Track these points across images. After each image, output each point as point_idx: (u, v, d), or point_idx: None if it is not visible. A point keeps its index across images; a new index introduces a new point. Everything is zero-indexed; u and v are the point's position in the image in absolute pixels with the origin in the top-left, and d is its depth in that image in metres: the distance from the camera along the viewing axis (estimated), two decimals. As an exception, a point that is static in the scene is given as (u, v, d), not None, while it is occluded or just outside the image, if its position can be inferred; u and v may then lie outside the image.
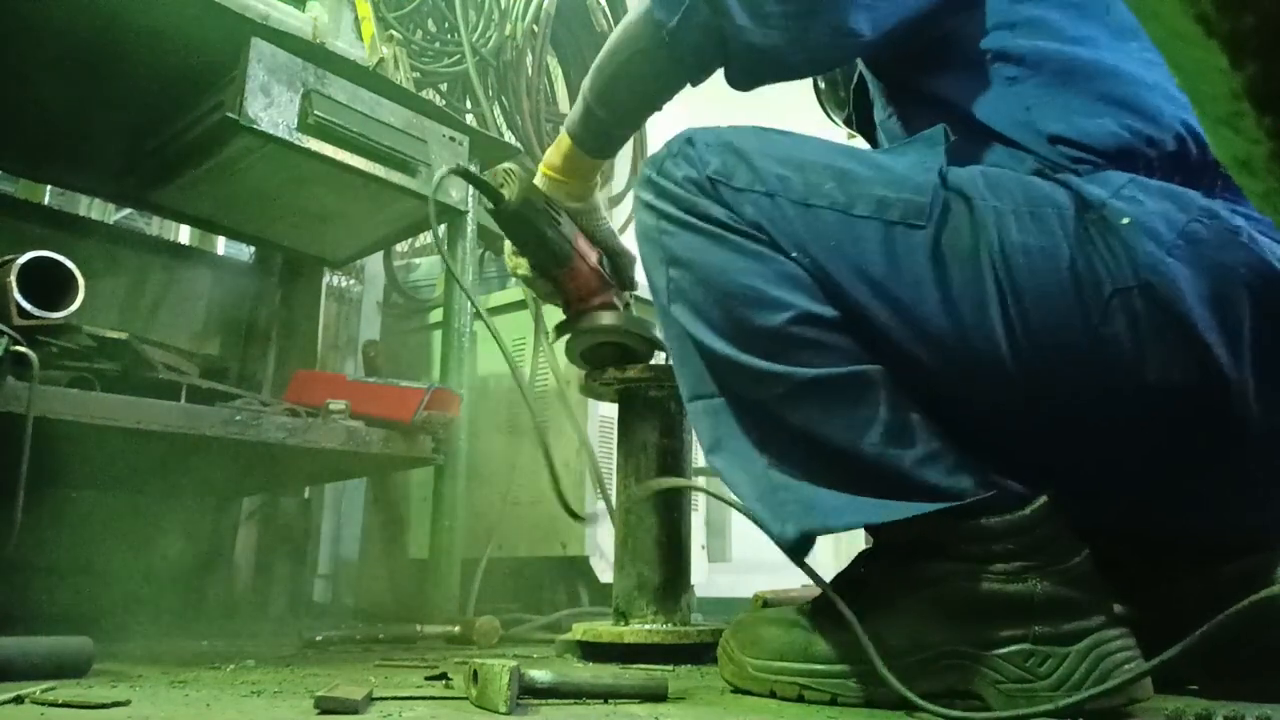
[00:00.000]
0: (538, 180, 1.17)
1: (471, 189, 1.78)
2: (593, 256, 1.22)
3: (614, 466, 1.35)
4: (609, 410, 1.90)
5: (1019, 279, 0.77)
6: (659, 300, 0.92)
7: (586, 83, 1.04)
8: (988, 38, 0.91)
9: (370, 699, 0.76)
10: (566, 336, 1.28)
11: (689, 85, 0.99)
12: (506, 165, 1.15)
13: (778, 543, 0.83)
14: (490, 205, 1.15)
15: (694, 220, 0.88)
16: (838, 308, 0.82)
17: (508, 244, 1.22)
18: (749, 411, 0.85)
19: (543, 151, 2.35)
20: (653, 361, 1.30)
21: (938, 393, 0.82)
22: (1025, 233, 0.78)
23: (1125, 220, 0.76)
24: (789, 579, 1.91)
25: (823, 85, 1.37)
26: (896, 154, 0.88)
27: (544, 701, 0.78)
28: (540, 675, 0.77)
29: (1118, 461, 0.83)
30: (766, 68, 0.93)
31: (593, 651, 1.23)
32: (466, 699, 0.77)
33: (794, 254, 0.83)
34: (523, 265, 1.22)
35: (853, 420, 0.79)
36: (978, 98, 0.90)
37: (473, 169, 1.13)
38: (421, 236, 2.64)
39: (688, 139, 0.91)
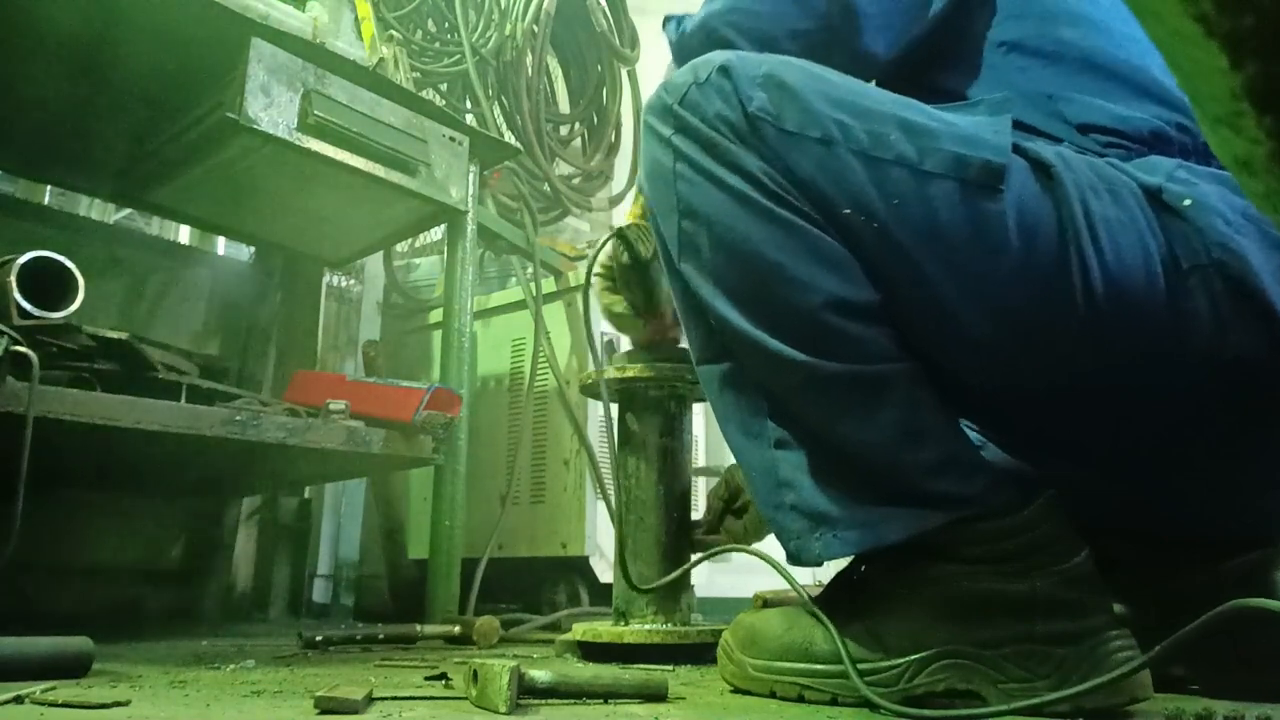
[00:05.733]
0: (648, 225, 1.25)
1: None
2: None
3: (614, 466, 1.35)
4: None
5: (1104, 251, 0.74)
6: (665, 247, 0.86)
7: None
8: (1000, 30, 0.91)
9: (370, 699, 0.76)
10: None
11: None
12: (639, 222, 1.24)
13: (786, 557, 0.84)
14: (629, 260, 1.24)
15: (721, 171, 0.79)
16: (880, 285, 0.77)
17: (600, 282, 1.30)
18: (759, 387, 0.82)
19: (543, 151, 2.36)
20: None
21: (979, 372, 0.80)
22: (1106, 206, 0.75)
23: (1187, 202, 0.74)
24: (789, 579, 1.90)
25: None
26: (961, 112, 0.82)
27: (544, 701, 0.78)
28: (540, 675, 0.77)
29: (1155, 444, 0.82)
30: None
31: (593, 651, 1.23)
32: (466, 699, 0.77)
33: (847, 211, 0.76)
34: (619, 304, 1.29)
35: (867, 419, 0.77)
36: (991, 89, 0.89)
37: (626, 234, 1.25)
38: (421, 236, 2.65)
39: (722, 67, 0.80)
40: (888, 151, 0.76)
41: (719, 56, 0.82)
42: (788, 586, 1.23)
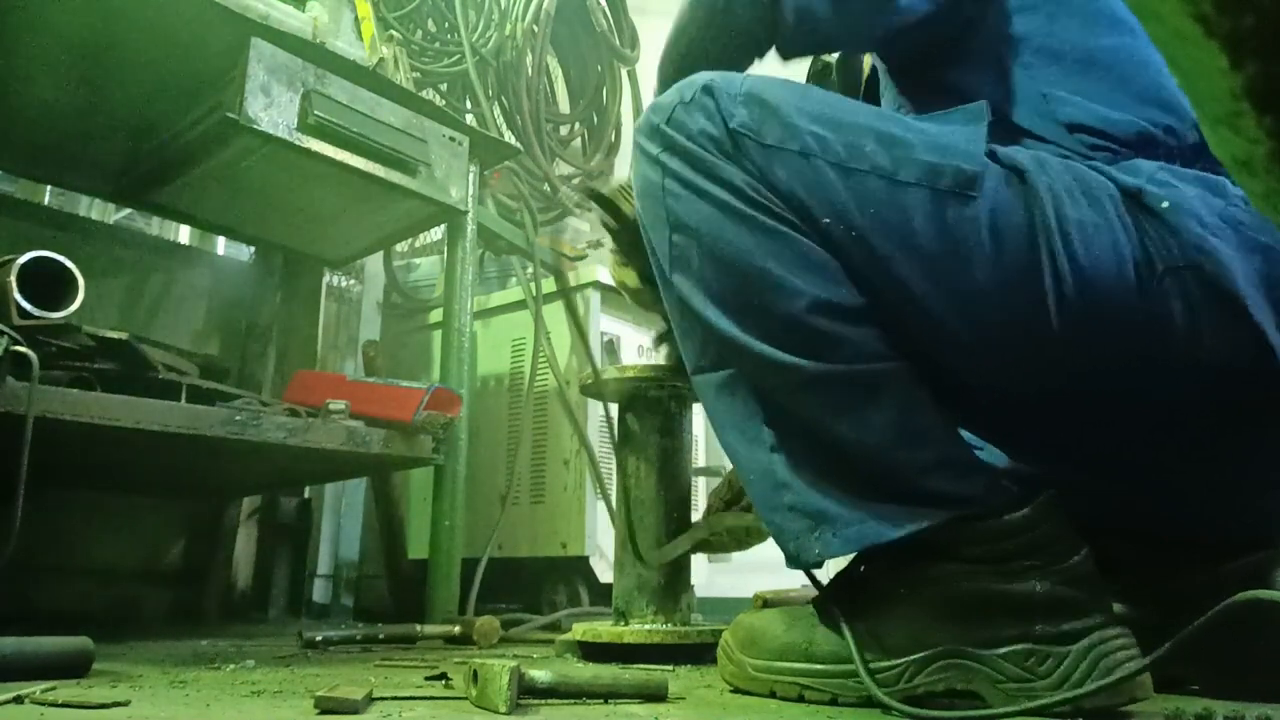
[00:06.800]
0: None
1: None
2: None
3: (614, 466, 1.35)
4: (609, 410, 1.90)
5: (1076, 254, 0.74)
6: (658, 262, 0.87)
7: (656, 84, 1.03)
8: (1006, 25, 0.91)
9: (370, 699, 0.76)
10: (668, 345, 1.30)
11: (753, 62, 0.97)
12: (625, 183, 1.19)
13: (785, 559, 0.83)
14: (613, 223, 1.19)
15: (707, 185, 0.81)
16: (863, 289, 0.78)
17: (613, 257, 1.26)
18: (754, 392, 0.83)
19: (543, 151, 2.36)
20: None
21: (966, 375, 0.81)
22: (1080, 210, 0.75)
23: (1165, 204, 0.75)
24: (789, 579, 1.90)
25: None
26: (936, 121, 0.83)
27: (544, 701, 0.78)
28: (540, 675, 0.77)
29: (1146, 446, 0.82)
30: (809, 36, 0.92)
31: (593, 651, 1.23)
32: (466, 699, 0.77)
33: (827, 220, 0.77)
34: (631, 276, 1.24)
35: (862, 420, 0.78)
36: (993, 86, 0.89)
37: (600, 190, 1.20)
38: (421, 236, 2.65)
39: (705, 87, 0.83)
40: (863, 162, 0.78)
41: (702, 77, 0.85)
42: (788, 587, 1.23)
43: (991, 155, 0.79)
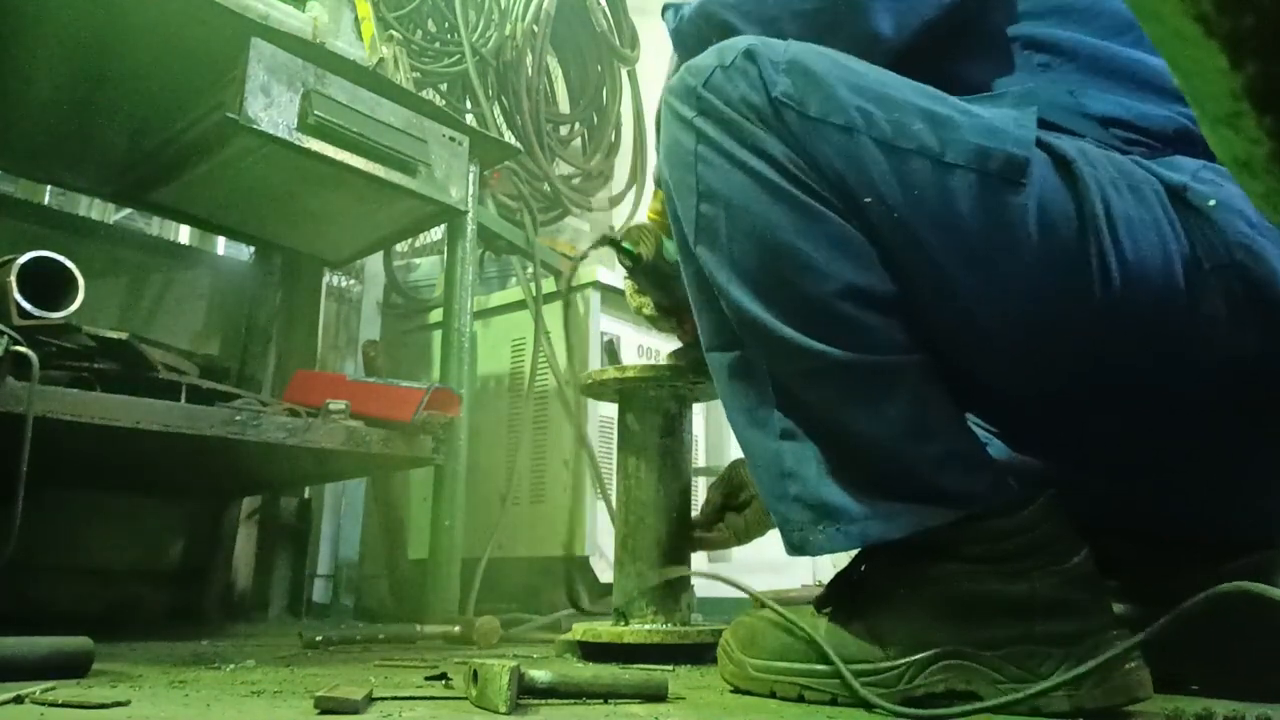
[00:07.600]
0: (648, 225, 1.21)
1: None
2: None
3: (614, 466, 1.35)
4: (609, 410, 1.90)
5: (1124, 249, 0.73)
6: (681, 231, 0.85)
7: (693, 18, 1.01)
8: (1015, 25, 0.90)
9: (370, 699, 0.76)
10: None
11: None
12: (640, 224, 1.22)
13: (786, 546, 0.83)
14: (628, 264, 1.20)
15: (743, 154, 0.78)
16: (896, 276, 0.77)
17: (629, 284, 1.29)
18: (769, 375, 0.82)
19: (543, 151, 2.36)
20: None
21: (983, 368, 0.80)
22: (1127, 204, 0.74)
23: (1211, 202, 0.74)
24: (789, 579, 1.91)
25: None
26: (985, 103, 0.82)
27: (544, 701, 0.78)
28: (540, 675, 0.77)
29: (1150, 445, 0.82)
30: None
31: (593, 651, 1.23)
32: (466, 699, 0.77)
33: (867, 199, 0.75)
34: (647, 305, 1.26)
35: (876, 411, 0.77)
36: (1012, 82, 0.87)
37: (614, 237, 1.22)
38: (421, 236, 2.65)
39: (747, 51, 0.80)
40: (910, 141, 0.75)
41: (743, 41, 0.82)
42: (788, 586, 1.23)
43: (1038, 143, 0.77)
